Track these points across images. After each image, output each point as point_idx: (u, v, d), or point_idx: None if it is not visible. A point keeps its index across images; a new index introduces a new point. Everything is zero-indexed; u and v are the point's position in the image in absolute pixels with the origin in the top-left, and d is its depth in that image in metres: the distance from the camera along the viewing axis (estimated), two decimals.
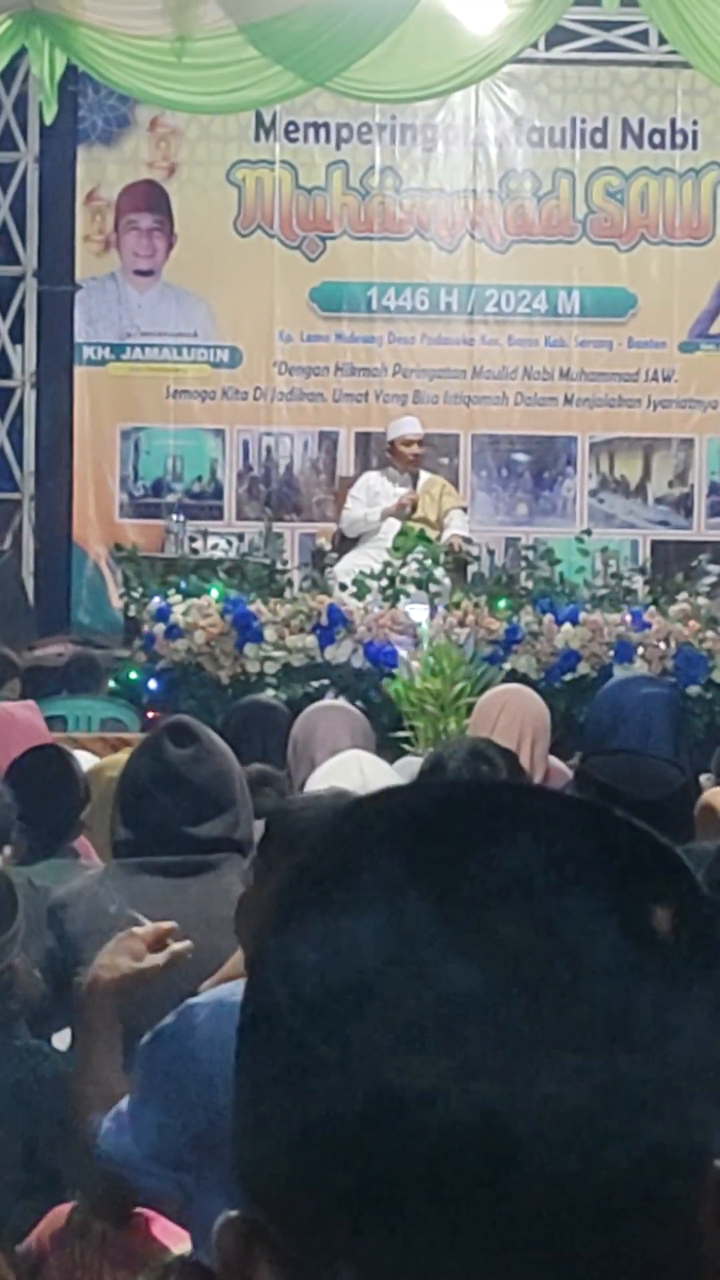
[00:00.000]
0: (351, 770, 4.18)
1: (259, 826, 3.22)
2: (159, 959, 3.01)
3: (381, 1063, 0.69)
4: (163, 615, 9.07)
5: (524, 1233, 0.69)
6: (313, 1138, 0.71)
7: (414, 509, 10.11)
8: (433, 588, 9.08)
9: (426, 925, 0.72)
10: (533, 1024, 0.70)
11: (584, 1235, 0.69)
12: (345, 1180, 0.70)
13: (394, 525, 9.98)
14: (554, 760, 5.81)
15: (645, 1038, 0.70)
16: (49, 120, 10.27)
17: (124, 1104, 2.86)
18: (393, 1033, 0.70)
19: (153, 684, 9.00)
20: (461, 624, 8.78)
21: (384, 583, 9.09)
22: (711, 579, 9.76)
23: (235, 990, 2.78)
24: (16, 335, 11.72)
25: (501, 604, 8.98)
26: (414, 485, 10.25)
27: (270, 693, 8.67)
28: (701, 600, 9.18)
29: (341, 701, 6.89)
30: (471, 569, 9.96)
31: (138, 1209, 3.03)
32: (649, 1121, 0.70)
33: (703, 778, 5.21)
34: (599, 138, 11.80)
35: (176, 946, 3.02)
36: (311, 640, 8.86)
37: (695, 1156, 0.71)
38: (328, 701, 6.85)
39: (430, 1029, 0.70)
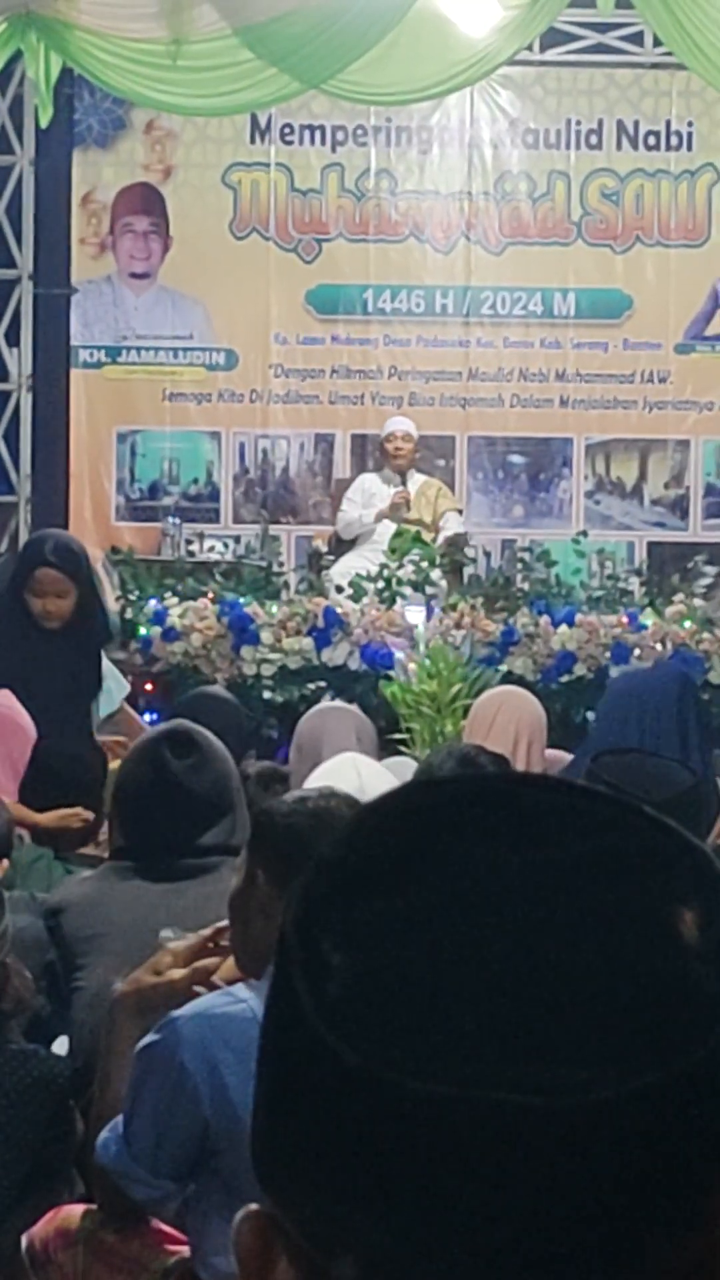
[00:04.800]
0: (348, 772, 4.18)
1: None
2: (176, 974, 3.00)
3: (407, 1063, 0.69)
4: (159, 618, 9.07)
5: (543, 1234, 0.69)
6: (334, 1136, 0.71)
7: (407, 507, 10.13)
8: (429, 590, 9.09)
9: (451, 924, 0.72)
10: (555, 1025, 0.70)
11: (603, 1238, 0.69)
12: (363, 1177, 0.70)
13: (390, 527, 9.99)
14: (560, 753, 5.82)
15: (670, 1044, 0.70)
16: (44, 123, 10.26)
17: (121, 1116, 2.87)
18: (419, 1033, 0.70)
19: (149, 686, 9.00)
20: (458, 626, 8.79)
21: (380, 585, 9.10)
22: (708, 580, 9.76)
23: (218, 1002, 2.78)
24: (12, 338, 11.71)
25: (498, 605, 8.99)
26: (404, 484, 10.27)
27: (267, 695, 8.67)
28: (698, 601, 9.19)
29: (343, 703, 6.90)
30: (468, 571, 9.97)
31: (147, 1216, 3.04)
32: (674, 1126, 0.70)
33: None
34: (594, 139, 11.79)
35: (202, 962, 3.01)
36: (308, 642, 8.86)
37: (714, 1162, 0.71)
38: (333, 703, 6.85)
39: (457, 1029, 0.70)
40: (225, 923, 3.03)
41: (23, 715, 5.72)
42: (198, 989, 2.98)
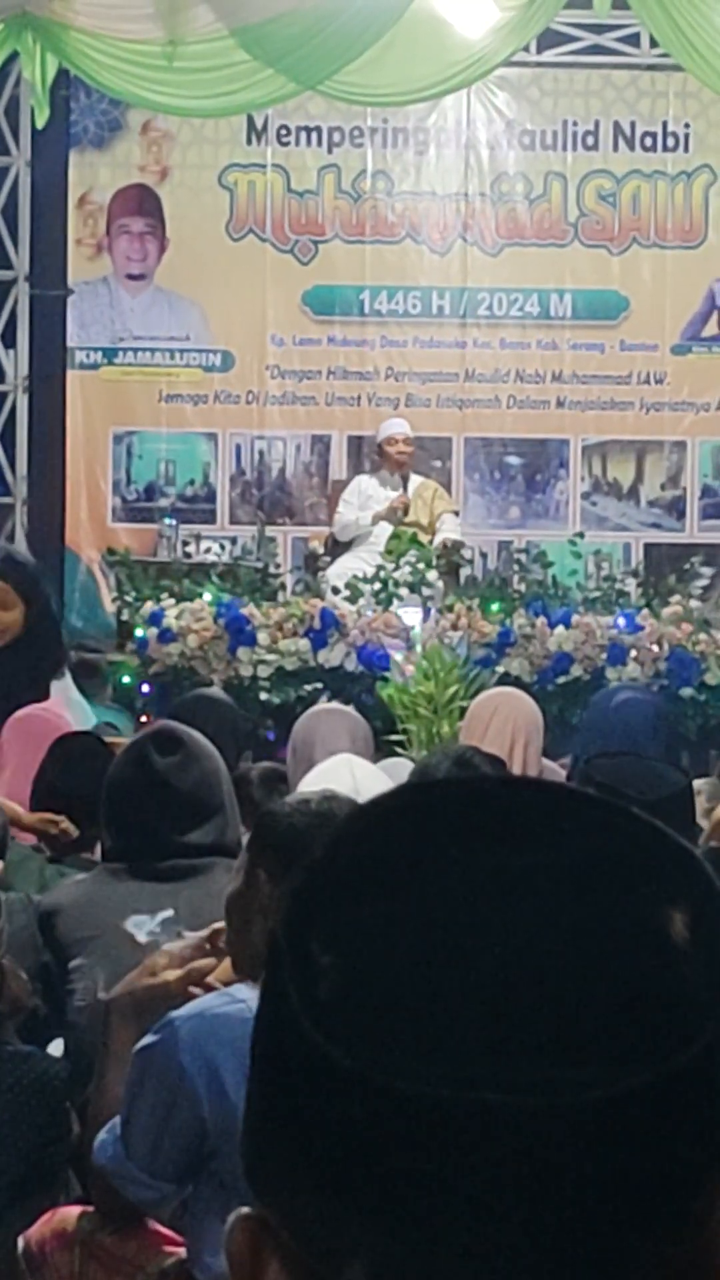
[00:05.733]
0: (343, 774, 4.17)
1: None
2: (170, 975, 3.00)
3: (397, 1065, 0.69)
4: (155, 619, 9.07)
5: (536, 1235, 0.68)
6: (326, 1139, 0.71)
7: (406, 511, 10.13)
8: (425, 591, 9.09)
9: (442, 925, 0.72)
10: (550, 1026, 0.70)
11: (596, 1238, 0.69)
12: (357, 1181, 0.70)
13: (387, 529, 10.00)
14: (548, 762, 5.83)
15: (661, 1044, 0.70)
16: (41, 124, 10.27)
17: (118, 1117, 2.87)
18: (409, 1034, 0.70)
19: (146, 688, 9.00)
20: (454, 627, 8.79)
21: (377, 586, 9.10)
22: (704, 581, 9.78)
23: (216, 1002, 2.77)
24: (9, 339, 11.71)
25: (494, 607, 8.99)
26: (404, 487, 10.27)
27: (263, 696, 8.67)
28: (694, 602, 9.19)
29: (341, 704, 6.89)
30: (464, 572, 9.97)
31: (144, 1218, 3.04)
32: (665, 1126, 0.70)
33: (698, 782, 5.21)
34: (590, 141, 11.79)
35: (196, 963, 3.01)
36: (304, 644, 8.86)
37: (709, 1162, 0.71)
38: (329, 704, 6.85)
39: (447, 1031, 0.70)
40: (221, 924, 3.02)
41: (69, 726, 5.67)
42: (193, 990, 2.98)
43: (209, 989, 2.97)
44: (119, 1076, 2.93)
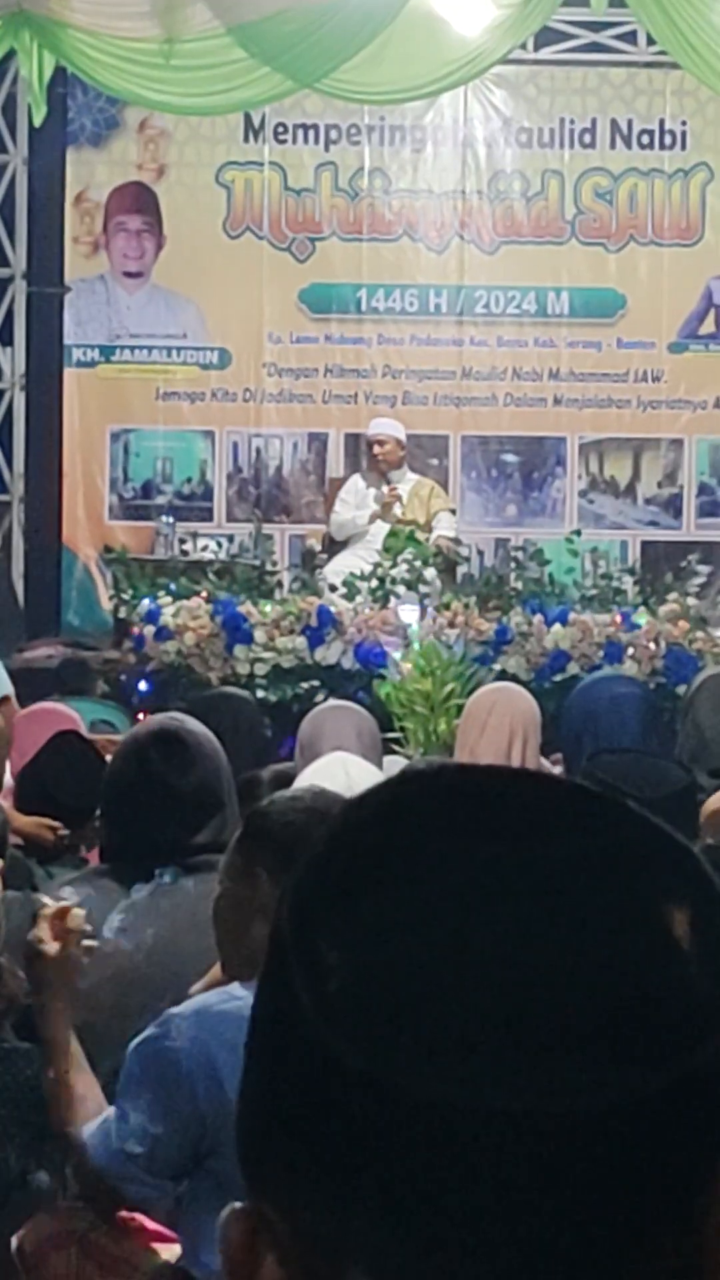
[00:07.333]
0: (336, 772, 4.16)
1: None
2: (50, 950, 3.04)
3: (407, 1066, 0.69)
4: (152, 617, 9.07)
5: (540, 1236, 0.68)
6: (330, 1137, 0.70)
7: (401, 503, 10.13)
8: (422, 589, 9.09)
9: (445, 922, 0.71)
10: (560, 1028, 0.69)
11: (599, 1239, 0.69)
12: (361, 1180, 0.69)
13: (383, 526, 10.00)
14: (546, 761, 5.83)
15: (670, 1048, 0.70)
16: (38, 122, 10.27)
17: (110, 1113, 2.86)
18: (419, 1035, 0.69)
19: (143, 685, 8.99)
20: (451, 625, 8.79)
21: (374, 584, 9.10)
22: (701, 579, 9.78)
23: (215, 999, 2.77)
24: (6, 337, 11.71)
25: (491, 605, 8.99)
26: (386, 481, 10.26)
27: (260, 694, 8.67)
28: (691, 600, 9.19)
29: (346, 702, 6.88)
30: (461, 570, 9.97)
31: (133, 1214, 3.03)
32: (673, 1128, 0.69)
33: None
34: (588, 138, 11.79)
35: (88, 942, 3.07)
36: (301, 641, 8.86)
37: (707, 1164, 0.71)
38: (336, 701, 6.83)
39: (458, 1032, 0.69)
40: (67, 902, 3.09)
41: (77, 722, 5.67)
42: (74, 952, 3.04)
43: (82, 935, 3.03)
44: (65, 1065, 3.01)
